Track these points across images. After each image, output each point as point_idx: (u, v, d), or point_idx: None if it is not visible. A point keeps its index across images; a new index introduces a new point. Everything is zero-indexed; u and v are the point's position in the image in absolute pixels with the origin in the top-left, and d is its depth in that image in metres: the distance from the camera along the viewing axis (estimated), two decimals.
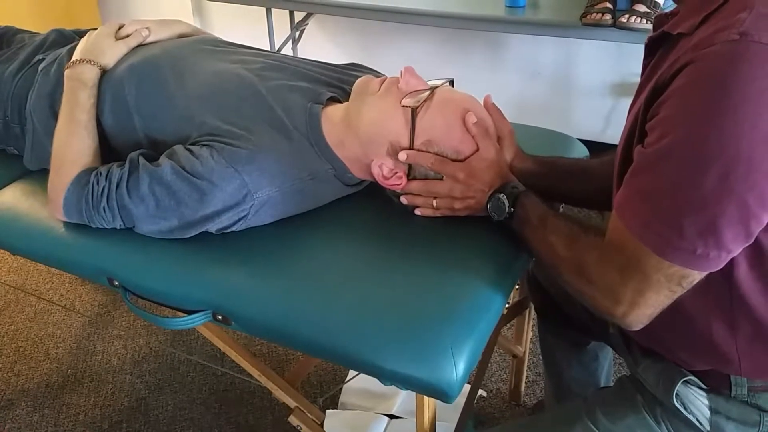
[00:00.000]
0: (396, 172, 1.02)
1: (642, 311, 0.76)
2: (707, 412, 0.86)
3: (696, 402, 0.86)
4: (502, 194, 0.95)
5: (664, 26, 0.78)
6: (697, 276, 0.72)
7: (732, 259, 0.72)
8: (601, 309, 0.80)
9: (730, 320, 0.80)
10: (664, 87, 0.70)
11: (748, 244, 0.70)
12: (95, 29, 1.23)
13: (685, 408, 0.87)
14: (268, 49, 1.33)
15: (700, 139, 0.66)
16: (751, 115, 0.63)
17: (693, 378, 0.86)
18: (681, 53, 0.70)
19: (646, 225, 0.72)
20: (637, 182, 0.73)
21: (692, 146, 0.66)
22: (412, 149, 1.00)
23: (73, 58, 1.16)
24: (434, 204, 1.02)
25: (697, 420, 0.86)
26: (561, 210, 1.15)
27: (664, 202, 0.70)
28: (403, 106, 0.98)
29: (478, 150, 0.99)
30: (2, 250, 1.21)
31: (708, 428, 0.86)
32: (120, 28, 1.23)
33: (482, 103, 1.06)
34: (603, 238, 0.79)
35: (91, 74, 1.13)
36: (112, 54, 1.17)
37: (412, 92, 1.00)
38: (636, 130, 0.76)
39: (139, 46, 1.23)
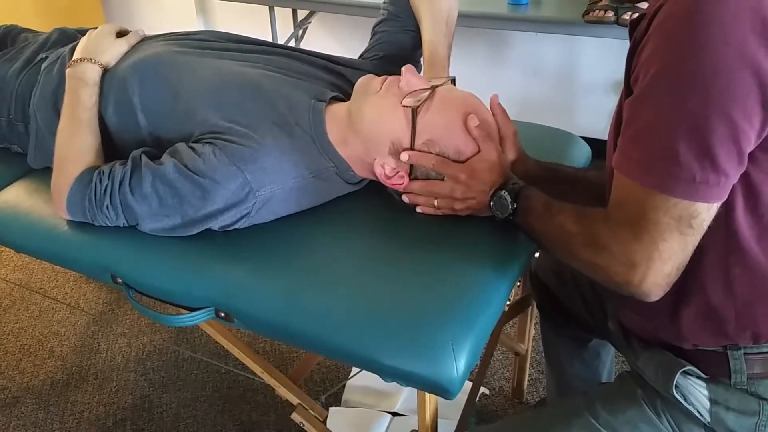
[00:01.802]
0: (398, 172, 1.02)
1: (658, 268, 0.74)
2: (707, 403, 0.86)
3: (696, 393, 0.86)
4: (503, 191, 0.95)
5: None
6: (704, 213, 0.72)
7: (728, 204, 0.73)
8: (617, 278, 0.78)
9: (725, 277, 0.80)
10: (643, 37, 0.73)
11: (742, 170, 0.71)
12: (96, 28, 1.24)
13: (685, 399, 0.87)
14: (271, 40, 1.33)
15: (677, 64, 0.68)
16: (721, 32, 0.65)
17: (692, 368, 0.86)
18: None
19: (642, 164, 0.72)
20: (629, 131, 0.75)
21: (671, 73, 0.68)
22: (414, 149, 1.00)
23: (74, 57, 1.16)
24: (435, 204, 1.02)
25: (698, 411, 0.86)
26: None
27: (655, 136, 0.71)
28: (404, 106, 0.99)
29: (479, 151, 1.00)
30: (7, 248, 1.22)
31: (708, 419, 0.86)
32: (120, 29, 1.24)
33: (488, 104, 1.06)
34: (605, 209, 0.80)
35: (92, 73, 1.14)
36: (112, 52, 1.18)
37: (413, 91, 1.00)
38: (623, 97, 0.77)
39: (141, 43, 1.24)
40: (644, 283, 0.75)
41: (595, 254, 0.80)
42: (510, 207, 0.94)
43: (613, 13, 1.97)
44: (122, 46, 1.20)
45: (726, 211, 0.75)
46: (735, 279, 0.80)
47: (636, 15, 0.82)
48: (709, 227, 0.74)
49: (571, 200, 0.95)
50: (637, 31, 0.75)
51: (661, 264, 0.74)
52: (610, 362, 1.42)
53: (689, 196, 0.71)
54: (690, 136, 0.68)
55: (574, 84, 2.74)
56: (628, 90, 0.77)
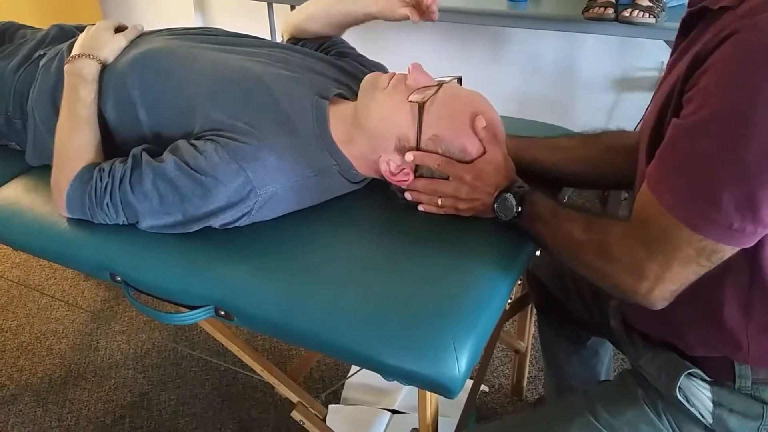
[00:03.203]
0: (403, 168, 1.02)
1: (666, 286, 0.75)
2: (710, 405, 0.86)
3: (699, 395, 0.86)
4: (508, 194, 0.95)
5: (705, 2, 0.76)
6: (728, 252, 0.71)
7: (758, 242, 0.71)
8: (624, 287, 0.78)
9: (745, 304, 0.79)
10: (707, 57, 0.69)
11: None
12: (94, 25, 1.23)
13: (687, 401, 0.86)
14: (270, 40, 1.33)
15: (744, 108, 0.64)
16: None
17: (696, 370, 0.86)
18: (726, 23, 0.68)
19: (681, 198, 0.70)
20: (672, 155, 0.72)
21: (735, 116, 0.65)
22: (420, 147, 1.00)
23: (72, 53, 1.15)
24: (439, 203, 1.02)
25: (700, 413, 0.86)
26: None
27: (702, 175, 0.69)
28: (410, 101, 0.99)
29: (485, 152, 0.99)
30: (5, 246, 1.21)
31: (711, 421, 0.86)
32: (119, 26, 1.23)
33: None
34: (619, 220, 0.79)
35: (90, 69, 1.13)
36: (111, 47, 1.17)
37: (419, 88, 1.00)
38: (670, 105, 0.75)
39: (140, 38, 1.23)
40: (650, 295, 0.76)
41: (604, 264, 0.80)
42: (514, 210, 0.94)
43: (612, 10, 1.97)
44: (121, 41, 1.19)
45: (754, 247, 0.73)
46: (754, 309, 0.79)
47: (693, 8, 0.78)
48: (735, 257, 0.72)
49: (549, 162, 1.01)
50: (702, 48, 0.70)
51: (670, 283, 0.75)
52: (608, 361, 1.42)
53: (720, 240, 0.70)
54: (738, 186, 0.66)
55: (573, 81, 2.73)
56: (677, 103, 0.73)
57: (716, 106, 0.67)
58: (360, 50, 1.34)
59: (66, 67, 1.14)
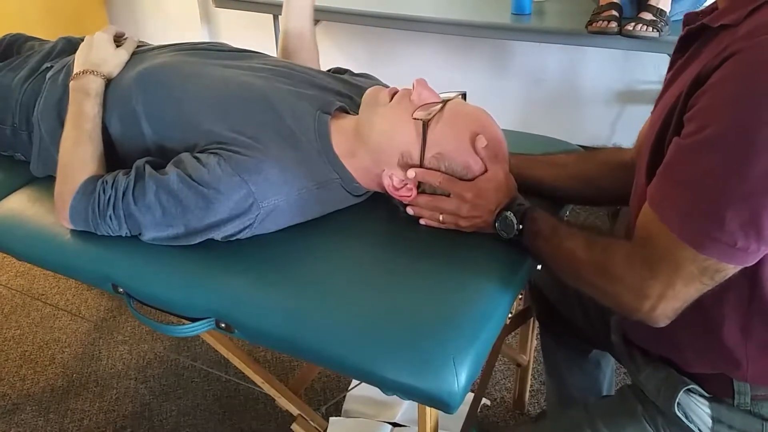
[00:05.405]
0: (406, 184, 1.03)
1: (670, 305, 0.75)
2: (709, 422, 0.85)
3: (698, 411, 0.86)
4: (509, 212, 0.95)
5: (704, 19, 0.76)
6: (731, 270, 0.71)
7: (759, 260, 0.72)
8: (626, 306, 0.78)
9: (744, 322, 0.79)
10: (708, 76, 0.69)
11: None
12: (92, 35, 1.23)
13: (686, 417, 0.86)
14: (275, 56, 1.34)
15: (748, 127, 0.64)
16: None
17: (695, 387, 0.86)
18: (727, 43, 0.68)
19: (684, 217, 0.70)
20: (675, 174, 0.72)
21: (739, 135, 0.65)
22: (422, 166, 1.00)
23: (76, 70, 1.16)
24: (440, 218, 1.02)
25: (699, 429, 0.86)
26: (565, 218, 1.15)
27: (705, 193, 0.68)
28: (415, 118, 0.99)
29: (486, 170, 1.00)
30: (9, 256, 1.22)
31: None
32: (116, 33, 1.24)
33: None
34: (621, 240, 0.79)
35: (95, 84, 1.14)
36: (114, 62, 1.18)
37: (424, 105, 1.00)
38: (671, 122, 0.75)
39: (146, 52, 1.24)
40: (653, 313, 0.76)
41: (606, 283, 0.80)
42: (515, 228, 0.95)
43: (616, 23, 1.98)
44: (123, 55, 1.20)
45: (754, 266, 0.73)
46: (754, 327, 0.79)
47: (692, 26, 0.78)
48: (734, 275, 0.72)
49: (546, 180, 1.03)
50: (704, 68, 0.70)
51: (673, 301, 0.74)
52: (610, 372, 1.41)
53: (723, 258, 0.69)
54: (742, 205, 0.66)
55: (577, 94, 2.74)
56: (678, 122, 0.73)
57: (720, 125, 0.67)
58: (366, 62, 1.36)
59: (71, 83, 1.15)
